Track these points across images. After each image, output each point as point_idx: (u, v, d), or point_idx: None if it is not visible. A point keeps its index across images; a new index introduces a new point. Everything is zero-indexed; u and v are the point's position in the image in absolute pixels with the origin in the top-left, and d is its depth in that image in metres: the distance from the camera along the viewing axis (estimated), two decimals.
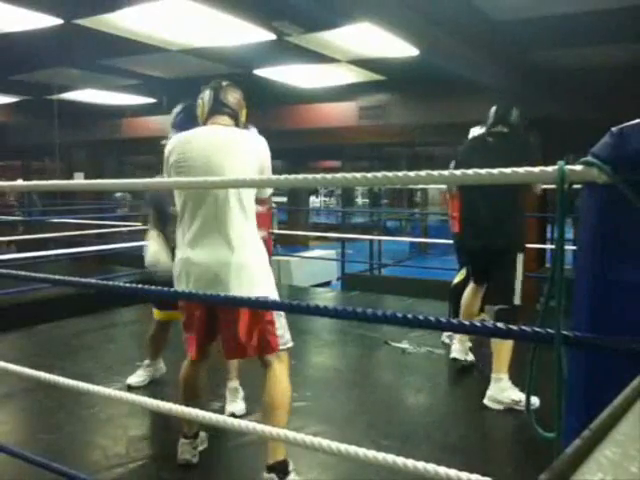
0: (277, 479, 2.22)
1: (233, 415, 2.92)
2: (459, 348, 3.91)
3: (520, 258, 3.41)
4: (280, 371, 2.34)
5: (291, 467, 2.28)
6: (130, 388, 3.48)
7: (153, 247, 3.09)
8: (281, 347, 2.36)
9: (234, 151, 2.33)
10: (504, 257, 3.43)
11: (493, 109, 3.61)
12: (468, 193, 3.58)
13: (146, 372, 3.69)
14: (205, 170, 2.27)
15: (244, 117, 2.51)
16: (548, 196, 5.92)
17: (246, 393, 3.19)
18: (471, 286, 3.80)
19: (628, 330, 1.04)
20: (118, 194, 14.35)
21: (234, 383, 3.19)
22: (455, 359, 3.92)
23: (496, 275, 3.52)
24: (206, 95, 2.43)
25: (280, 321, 2.35)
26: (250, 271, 2.30)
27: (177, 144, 2.40)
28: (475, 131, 4.08)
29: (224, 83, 2.46)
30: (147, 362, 3.71)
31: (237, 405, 3.12)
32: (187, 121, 2.69)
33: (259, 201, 2.48)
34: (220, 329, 2.37)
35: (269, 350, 2.33)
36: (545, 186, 3.73)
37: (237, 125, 2.46)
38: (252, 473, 2.61)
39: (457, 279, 4.43)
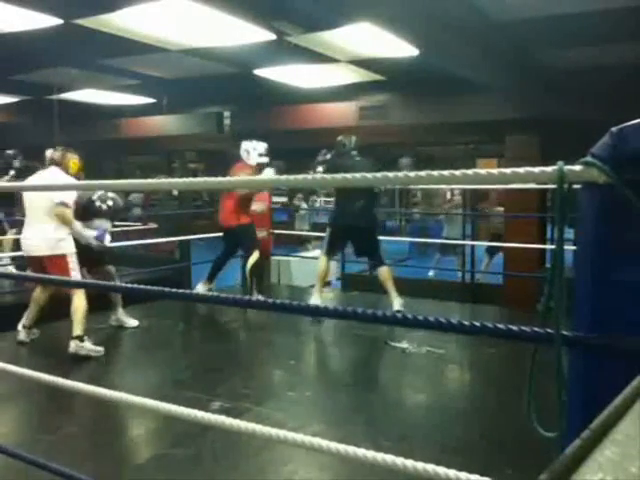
0: (79, 342, 4.07)
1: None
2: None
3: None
4: (78, 296, 4.14)
5: (85, 338, 4.12)
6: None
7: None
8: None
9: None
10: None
11: (352, 139, 5.45)
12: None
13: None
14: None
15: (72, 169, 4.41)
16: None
17: (248, 392, 3.19)
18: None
19: (628, 330, 1.04)
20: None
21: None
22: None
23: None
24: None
25: (74, 274, 4.13)
26: (52, 244, 4.16)
27: None
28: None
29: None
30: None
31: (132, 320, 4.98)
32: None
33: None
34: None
35: (69, 291, 4.17)
36: (545, 186, 3.81)
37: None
38: (252, 472, 2.61)
39: (254, 259, 5.53)
